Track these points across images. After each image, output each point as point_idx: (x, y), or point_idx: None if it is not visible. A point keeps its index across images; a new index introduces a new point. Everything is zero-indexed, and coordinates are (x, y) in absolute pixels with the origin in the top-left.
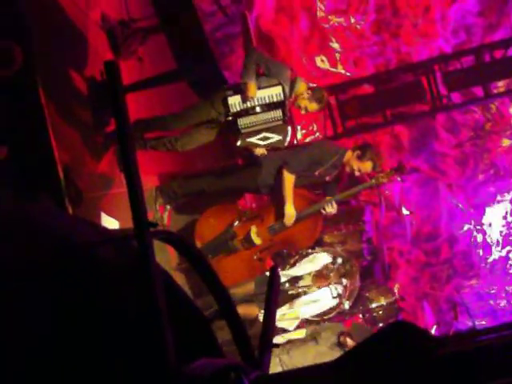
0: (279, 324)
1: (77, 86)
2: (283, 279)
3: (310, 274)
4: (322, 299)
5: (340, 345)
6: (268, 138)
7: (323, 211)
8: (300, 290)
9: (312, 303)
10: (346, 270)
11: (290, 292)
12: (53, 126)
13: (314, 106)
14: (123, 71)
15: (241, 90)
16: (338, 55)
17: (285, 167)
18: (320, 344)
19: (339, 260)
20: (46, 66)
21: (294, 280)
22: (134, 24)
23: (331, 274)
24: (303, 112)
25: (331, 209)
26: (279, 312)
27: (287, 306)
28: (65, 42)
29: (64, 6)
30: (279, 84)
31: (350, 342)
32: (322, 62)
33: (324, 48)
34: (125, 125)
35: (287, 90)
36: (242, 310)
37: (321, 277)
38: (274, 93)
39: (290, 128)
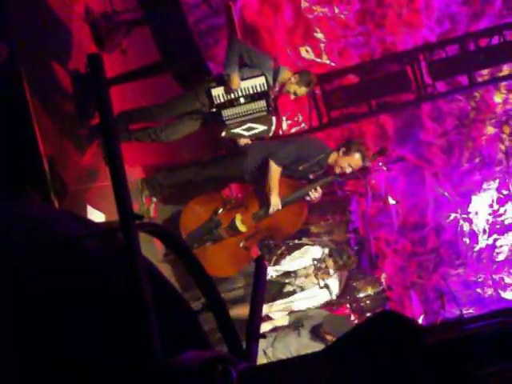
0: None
1: (61, 79)
2: (276, 274)
3: (305, 268)
4: (318, 295)
5: (321, 338)
6: (252, 129)
7: (308, 197)
8: (295, 287)
9: (307, 299)
10: (344, 261)
11: (285, 289)
12: (37, 120)
13: (303, 90)
14: (107, 64)
15: (224, 81)
16: (322, 45)
17: (271, 158)
18: (302, 336)
19: (326, 250)
20: (29, 59)
21: (288, 275)
22: (117, 17)
23: (329, 267)
24: (293, 97)
25: (316, 193)
26: (271, 304)
27: (281, 300)
28: (48, 35)
29: None
30: (262, 74)
31: (328, 337)
32: (306, 53)
33: (309, 38)
34: (109, 118)
35: (270, 80)
36: (237, 311)
37: (318, 271)
38: (258, 83)
39: (274, 118)
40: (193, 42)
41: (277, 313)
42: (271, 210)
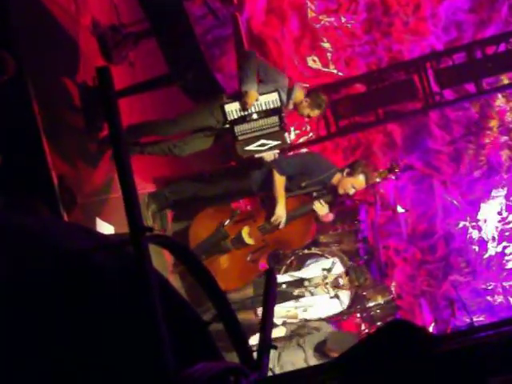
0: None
1: (69, 92)
2: (288, 279)
3: (320, 277)
4: (325, 304)
5: (326, 356)
6: (266, 145)
7: (315, 207)
8: (306, 291)
9: (316, 306)
10: (360, 283)
11: (295, 292)
12: (46, 133)
13: (315, 112)
14: (115, 76)
15: (237, 97)
16: (329, 55)
17: (274, 168)
18: (307, 354)
19: (340, 264)
20: (37, 73)
21: (301, 281)
22: (124, 29)
23: (343, 283)
24: (307, 119)
25: (323, 207)
26: (279, 309)
27: (289, 303)
28: (56, 49)
29: (54, 13)
30: (275, 90)
31: (334, 354)
32: (313, 62)
33: (315, 48)
34: (118, 130)
35: (284, 96)
36: (241, 315)
37: (334, 283)
38: (271, 99)
39: (287, 134)
40: (200, 53)
41: (282, 318)
42: (273, 220)
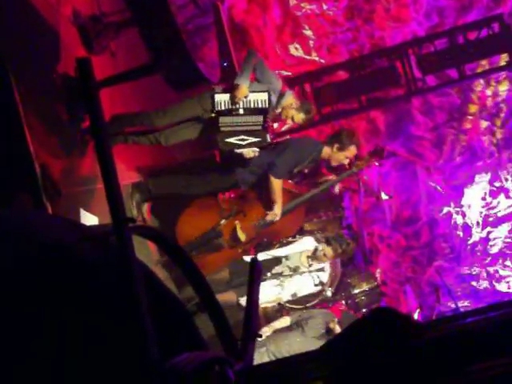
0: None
1: (50, 82)
2: (266, 258)
3: (299, 253)
4: (303, 285)
5: (328, 332)
6: (245, 140)
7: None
8: (284, 269)
9: (294, 289)
10: (343, 249)
11: (274, 270)
12: (28, 124)
13: (301, 116)
14: (96, 66)
15: (230, 89)
16: (311, 42)
17: (271, 173)
18: (307, 334)
19: (318, 241)
20: (18, 63)
21: (278, 260)
22: (105, 19)
23: (327, 255)
24: (289, 122)
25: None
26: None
27: (275, 290)
28: (37, 39)
29: (35, 3)
30: (266, 91)
31: (338, 329)
32: (295, 50)
33: (297, 36)
34: (99, 121)
35: (274, 99)
36: (220, 298)
37: (314, 258)
38: (260, 99)
39: (268, 136)
40: (182, 43)
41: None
42: (269, 218)
